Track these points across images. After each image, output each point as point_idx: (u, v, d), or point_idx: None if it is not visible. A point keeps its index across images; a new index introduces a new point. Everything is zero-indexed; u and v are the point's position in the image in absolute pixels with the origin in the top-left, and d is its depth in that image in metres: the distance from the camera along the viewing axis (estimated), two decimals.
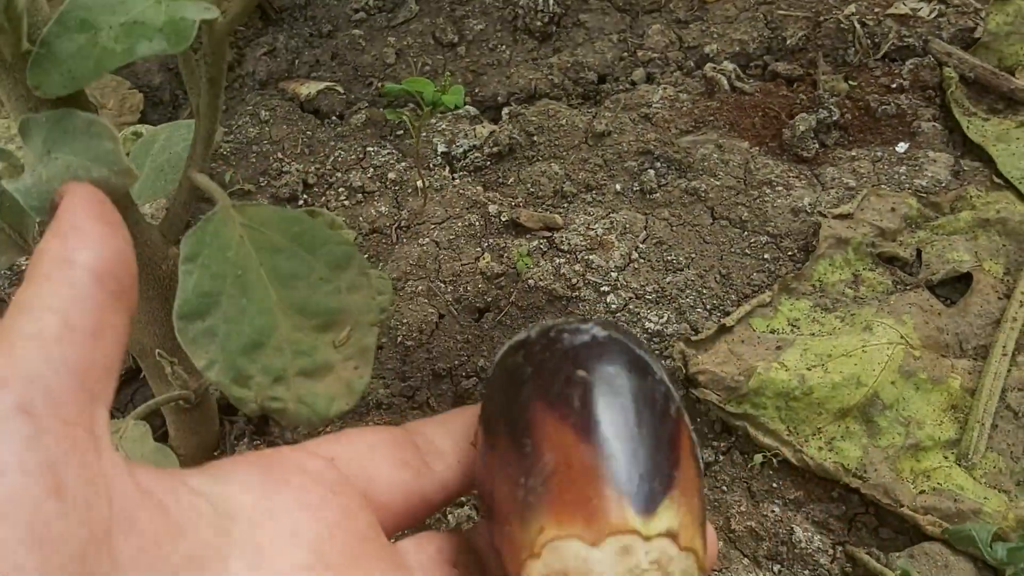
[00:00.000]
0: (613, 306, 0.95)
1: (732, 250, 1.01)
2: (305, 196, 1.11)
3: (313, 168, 1.13)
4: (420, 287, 1.00)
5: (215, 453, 0.87)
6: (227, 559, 0.31)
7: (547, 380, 0.39)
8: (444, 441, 0.42)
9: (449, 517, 0.84)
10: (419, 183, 1.09)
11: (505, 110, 1.19)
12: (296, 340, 0.52)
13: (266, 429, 0.91)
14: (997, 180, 1.02)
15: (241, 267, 0.53)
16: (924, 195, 1.01)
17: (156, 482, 0.31)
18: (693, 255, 1.00)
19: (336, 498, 0.36)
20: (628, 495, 0.36)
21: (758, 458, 0.85)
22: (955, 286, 0.96)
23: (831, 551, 0.82)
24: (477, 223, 1.05)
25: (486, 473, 0.39)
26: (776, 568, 0.82)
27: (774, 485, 0.85)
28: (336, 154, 1.14)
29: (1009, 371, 0.87)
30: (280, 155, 1.15)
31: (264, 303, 0.52)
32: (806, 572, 0.81)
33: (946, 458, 0.84)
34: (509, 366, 0.42)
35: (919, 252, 0.97)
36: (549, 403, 0.38)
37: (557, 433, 0.38)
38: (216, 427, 0.87)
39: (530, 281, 0.98)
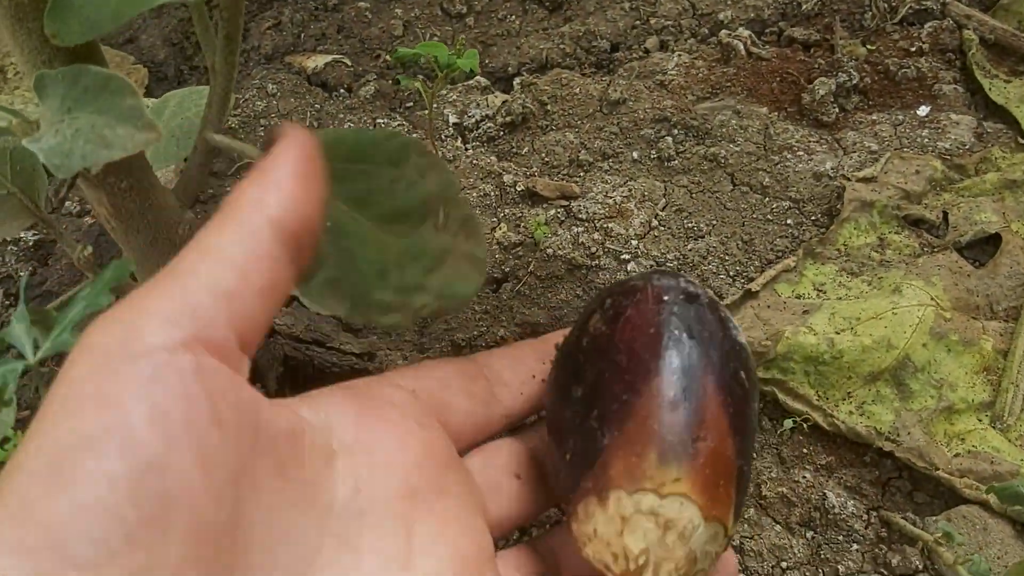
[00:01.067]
0: (634, 274, 0.93)
1: (754, 216, 0.99)
2: None
3: None
4: None
5: None
6: (335, 488, 0.33)
7: (629, 336, 0.42)
8: (509, 373, 0.44)
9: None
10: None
11: (517, 80, 1.17)
12: (405, 248, 0.51)
13: (295, 385, 0.89)
14: (1022, 141, 1.00)
15: (326, 213, 0.52)
16: (948, 157, 0.99)
17: (280, 415, 0.33)
18: (714, 222, 0.98)
19: (422, 431, 0.38)
20: (664, 454, 0.38)
21: (788, 423, 0.84)
22: (983, 248, 0.94)
23: (865, 516, 0.80)
24: (492, 193, 1.03)
25: (557, 408, 0.41)
26: (809, 534, 0.80)
27: (804, 451, 0.84)
28: (346, 127, 1.12)
29: None
30: None
31: (361, 232, 0.50)
32: (840, 537, 0.79)
33: (980, 421, 0.82)
34: (598, 319, 0.44)
35: (945, 214, 0.95)
36: (623, 361, 0.40)
37: (622, 389, 0.40)
38: None
39: (548, 250, 0.96)
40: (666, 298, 0.43)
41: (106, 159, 0.49)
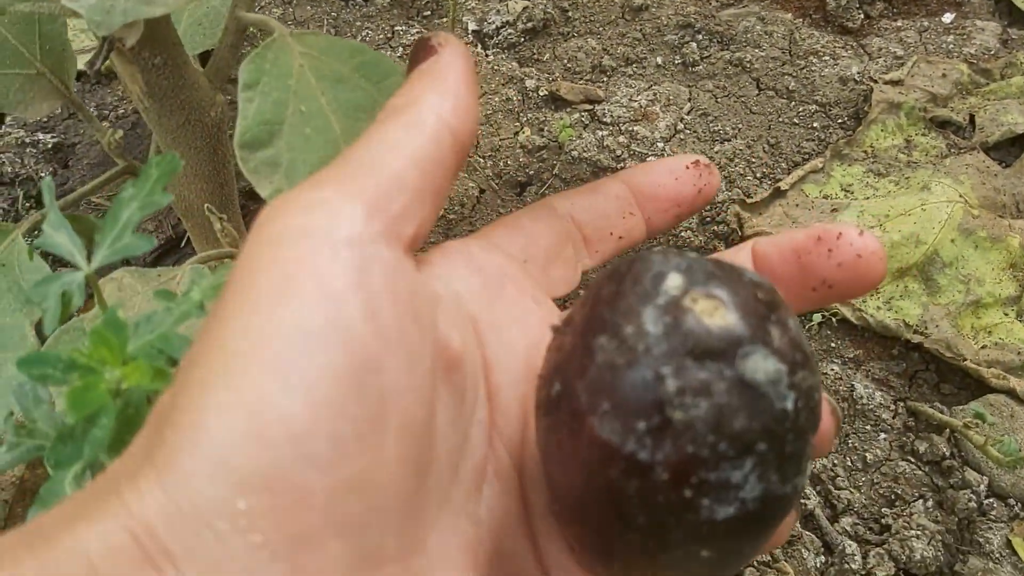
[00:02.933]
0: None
1: (780, 120, 0.98)
2: None
3: None
4: None
5: None
6: (477, 371, 0.33)
7: None
8: (590, 229, 0.42)
9: None
10: None
11: None
12: None
13: None
14: None
15: (303, 96, 0.50)
16: (974, 62, 0.99)
17: (426, 285, 0.32)
18: (740, 125, 0.98)
19: (539, 309, 0.37)
20: None
21: (816, 317, 0.84)
22: (1009, 149, 0.94)
23: (892, 407, 0.81)
24: (515, 98, 1.02)
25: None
26: None
27: (833, 344, 0.84)
28: (364, 34, 1.11)
29: None
30: None
31: (328, 133, 0.50)
32: (867, 427, 0.80)
33: (1006, 315, 0.83)
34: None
35: (971, 117, 0.95)
36: None
37: None
38: None
39: (573, 153, 0.96)
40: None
41: (148, 15, 0.48)
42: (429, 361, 0.28)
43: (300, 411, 0.23)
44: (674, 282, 0.28)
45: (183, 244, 0.90)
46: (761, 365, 0.27)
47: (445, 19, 1.14)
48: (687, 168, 0.41)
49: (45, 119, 1.03)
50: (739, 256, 0.37)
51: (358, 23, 1.13)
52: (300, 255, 0.26)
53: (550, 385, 0.30)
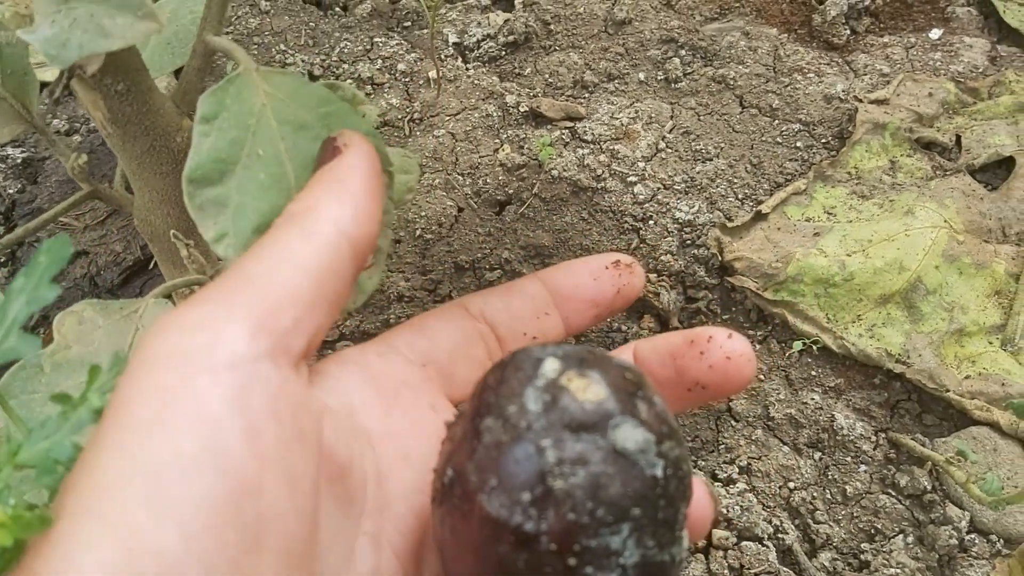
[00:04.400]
0: (641, 196, 0.91)
1: (763, 139, 0.96)
2: None
3: (318, 59, 1.07)
4: (437, 180, 0.96)
5: None
6: (365, 482, 0.33)
7: None
8: (505, 327, 0.41)
9: None
10: (432, 72, 1.04)
11: None
12: None
13: None
14: None
15: (261, 139, 0.48)
16: (961, 80, 0.97)
17: (314, 399, 0.32)
18: (723, 144, 0.96)
19: (436, 416, 0.37)
20: None
21: (797, 345, 0.83)
22: (996, 171, 0.93)
23: (873, 438, 0.80)
24: (495, 114, 1.00)
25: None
26: (817, 455, 0.79)
27: (813, 373, 0.83)
28: (342, 45, 1.09)
29: None
30: (283, 46, 1.09)
31: (282, 182, 0.48)
32: (848, 458, 0.79)
33: (991, 343, 0.81)
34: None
35: (958, 137, 0.93)
36: None
37: None
38: None
39: (553, 172, 0.94)
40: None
41: (104, 49, 0.47)
42: (312, 478, 0.28)
43: (172, 542, 0.23)
44: (551, 365, 0.31)
45: (151, 266, 0.88)
46: (631, 434, 0.29)
47: (426, 31, 1.12)
48: (607, 268, 0.41)
49: None
50: (622, 356, 0.38)
51: (336, 34, 1.11)
52: (179, 379, 0.25)
53: (443, 474, 0.31)
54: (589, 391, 0.30)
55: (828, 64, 1.02)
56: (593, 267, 0.41)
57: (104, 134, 0.66)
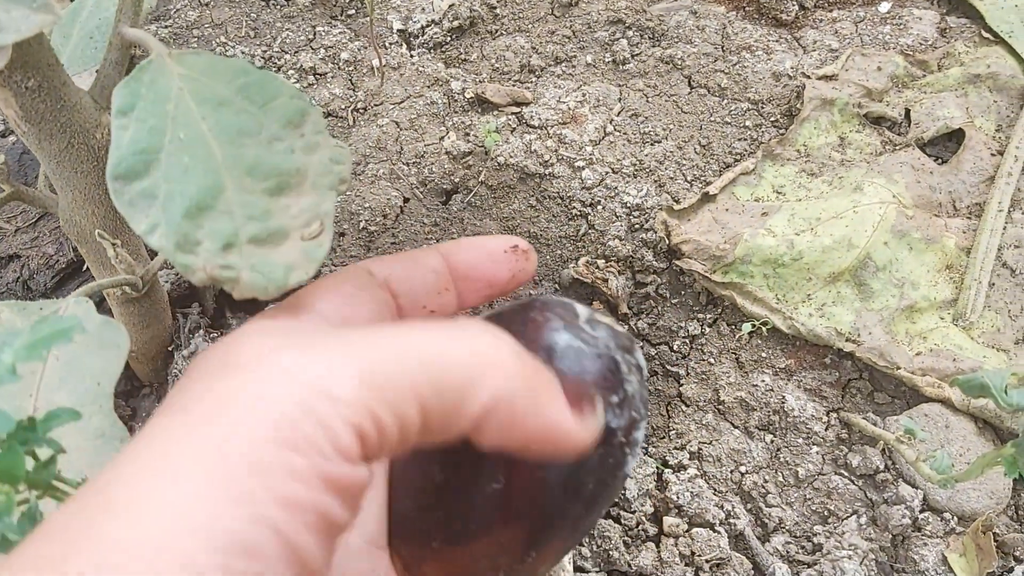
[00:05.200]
0: (589, 181, 0.90)
1: (712, 119, 0.95)
2: None
3: (260, 51, 1.05)
4: (381, 170, 0.94)
5: (168, 348, 0.81)
6: None
7: None
8: (405, 287, 0.40)
9: None
10: (375, 61, 1.02)
11: None
12: (247, 203, 0.46)
13: (222, 320, 0.85)
14: (986, 35, 0.97)
15: (182, 122, 0.46)
16: (910, 53, 0.96)
17: None
18: (671, 126, 0.95)
19: None
20: None
21: (746, 327, 0.81)
22: (946, 145, 0.91)
23: (825, 418, 0.78)
24: (440, 101, 0.98)
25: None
26: (768, 438, 0.78)
27: (763, 355, 0.82)
28: (284, 35, 1.06)
29: (1005, 228, 0.83)
30: (223, 38, 1.06)
31: (209, 162, 0.46)
32: (799, 440, 0.78)
33: (942, 319, 0.80)
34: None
35: (907, 111, 0.92)
36: None
37: None
38: (168, 320, 0.81)
39: (500, 159, 0.92)
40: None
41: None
42: None
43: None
44: (581, 309, 0.38)
45: (85, 268, 0.86)
46: (640, 354, 0.38)
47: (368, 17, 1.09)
48: (505, 252, 0.40)
49: None
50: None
51: (278, 24, 1.08)
52: None
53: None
54: (617, 325, 0.38)
55: (777, 41, 1.00)
56: (492, 248, 0.40)
57: (19, 133, 0.64)
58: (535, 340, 0.35)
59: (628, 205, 0.88)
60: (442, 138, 0.95)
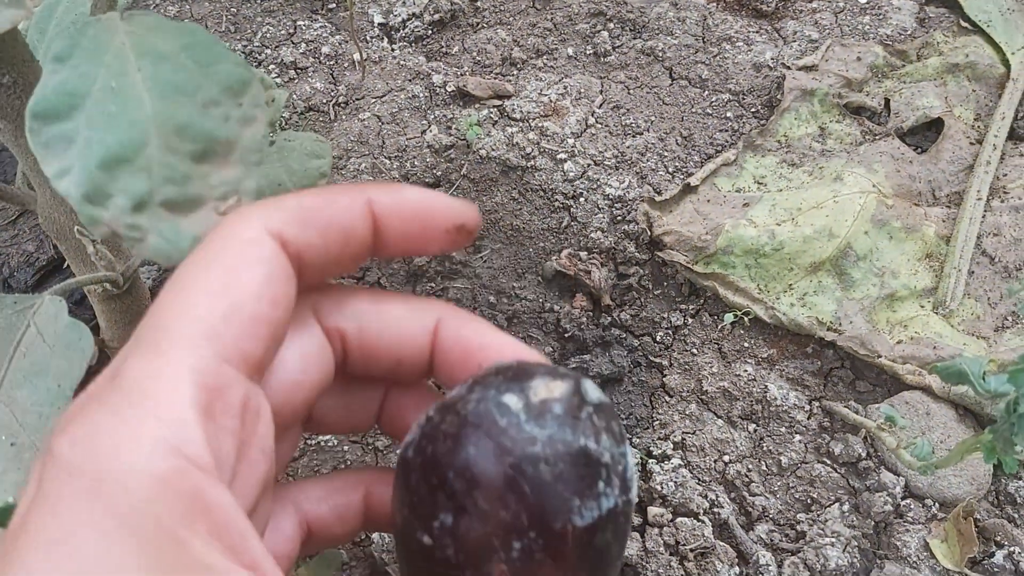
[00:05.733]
0: (571, 174, 0.90)
1: (693, 110, 0.95)
2: None
3: (240, 45, 1.04)
4: (363, 164, 0.93)
5: None
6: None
7: None
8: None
9: None
10: (356, 56, 1.02)
11: None
12: (168, 164, 0.44)
13: None
14: (964, 24, 0.97)
15: (116, 72, 0.44)
16: (890, 43, 0.96)
17: None
18: (652, 118, 0.95)
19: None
20: None
21: (728, 318, 0.82)
22: (925, 134, 0.92)
23: (807, 407, 0.79)
24: (421, 95, 0.98)
25: None
26: (751, 427, 0.79)
27: (745, 344, 0.82)
28: (264, 30, 1.06)
29: (984, 216, 0.84)
30: None
31: (136, 113, 0.43)
32: (782, 429, 0.78)
33: (923, 307, 0.81)
34: None
35: (887, 101, 0.93)
36: None
37: None
38: None
39: (481, 152, 0.92)
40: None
41: None
42: None
43: None
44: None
45: (66, 265, 0.85)
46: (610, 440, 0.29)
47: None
48: (447, 231, 0.32)
49: None
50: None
51: (259, 19, 1.08)
52: None
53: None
54: (575, 397, 0.29)
55: (757, 32, 1.00)
56: (431, 222, 0.32)
57: None
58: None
59: (610, 197, 0.88)
60: (424, 132, 0.95)
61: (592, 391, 0.29)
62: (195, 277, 0.27)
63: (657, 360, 0.83)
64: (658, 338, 0.84)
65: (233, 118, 0.44)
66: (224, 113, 0.44)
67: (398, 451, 0.31)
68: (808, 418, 0.78)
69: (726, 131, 0.93)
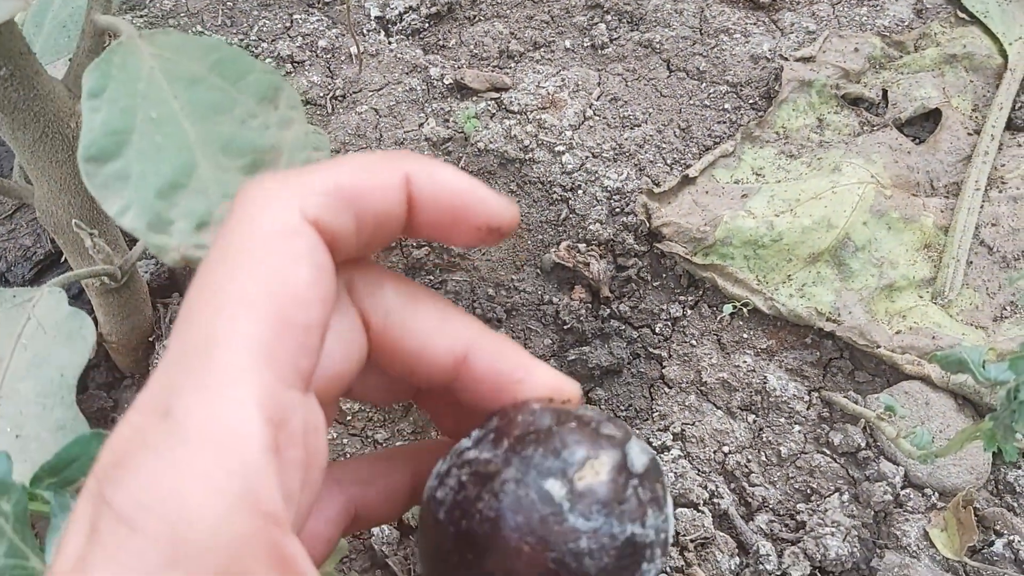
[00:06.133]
0: (569, 166, 0.90)
1: (691, 102, 0.95)
2: None
3: (237, 39, 1.04)
4: None
5: (150, 339, 0.81)
6: None
7: None
8: None
9: None
10: (353, 49, 1.01)
11: None
12: (221, 181, 0.46)
13: None
14: (961, 15, 0.97)
15: (153, 101, 0.46)
16: (887, 34, 0.96)
17: None
18: (650, 110, 0.95)
19: None
20: None
21: (727, 309, 0.82)
22: (923, 125, 0.92)
23: (806, 397, 0.79)
24: (419, 87, 0.98)
25: None
26: (751, 418, 0.79)
27: (745, 335, 0.82)
28: (260, 23, 1.05)
29: (982, 206, 0.84)
30: (200, 27, 1.05)
31: (182, 140, 0.45)
32: (781, 420, 0.78)
33: (921, 297, 0.81)
34: None
35: (885, 92, 0.93)
36: None
37: None
38: (148, 310, 0.80)
39: (479, 144, 0.92)
40: None
41: None
42: None
43: None
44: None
45: (63, 259, 0.85)
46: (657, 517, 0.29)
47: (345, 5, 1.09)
48: (478, 229, 0.31)
49: None
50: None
51: (255, 12, 1.08)
52: None
53: None
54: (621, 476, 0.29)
55: (755, 24, 1.00)
56: (465, 216, 0.31)
57: None
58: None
59: (608, 189, 0.88)
60: (421, 125, 0.95)
61: (638, 457, 0.27)
62: (233, 277, 0.25)
63: (656, 351, 0.83)
64: (657, 329, 0.84)
65: (272, 125, 0.45)
66: (263, 123, 0.45)
67: (424, 495, 0.30)
68: (807, 408, 0.78)
69: (724, 123, 0.93)
